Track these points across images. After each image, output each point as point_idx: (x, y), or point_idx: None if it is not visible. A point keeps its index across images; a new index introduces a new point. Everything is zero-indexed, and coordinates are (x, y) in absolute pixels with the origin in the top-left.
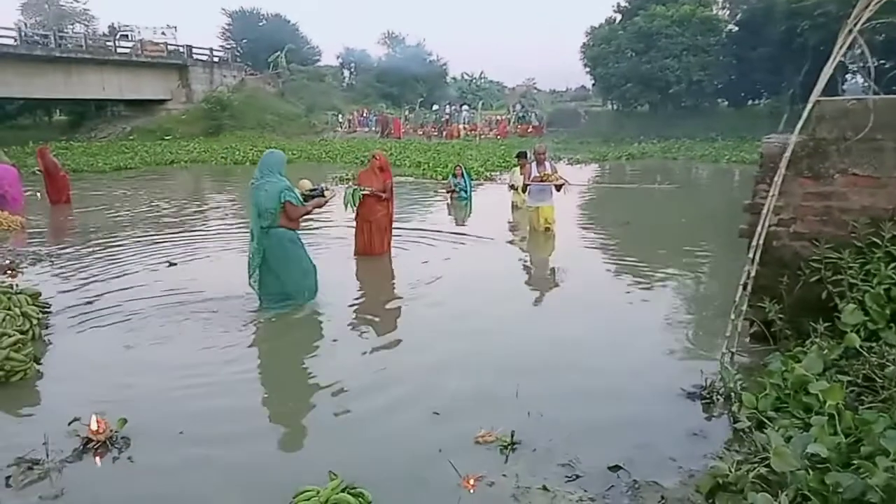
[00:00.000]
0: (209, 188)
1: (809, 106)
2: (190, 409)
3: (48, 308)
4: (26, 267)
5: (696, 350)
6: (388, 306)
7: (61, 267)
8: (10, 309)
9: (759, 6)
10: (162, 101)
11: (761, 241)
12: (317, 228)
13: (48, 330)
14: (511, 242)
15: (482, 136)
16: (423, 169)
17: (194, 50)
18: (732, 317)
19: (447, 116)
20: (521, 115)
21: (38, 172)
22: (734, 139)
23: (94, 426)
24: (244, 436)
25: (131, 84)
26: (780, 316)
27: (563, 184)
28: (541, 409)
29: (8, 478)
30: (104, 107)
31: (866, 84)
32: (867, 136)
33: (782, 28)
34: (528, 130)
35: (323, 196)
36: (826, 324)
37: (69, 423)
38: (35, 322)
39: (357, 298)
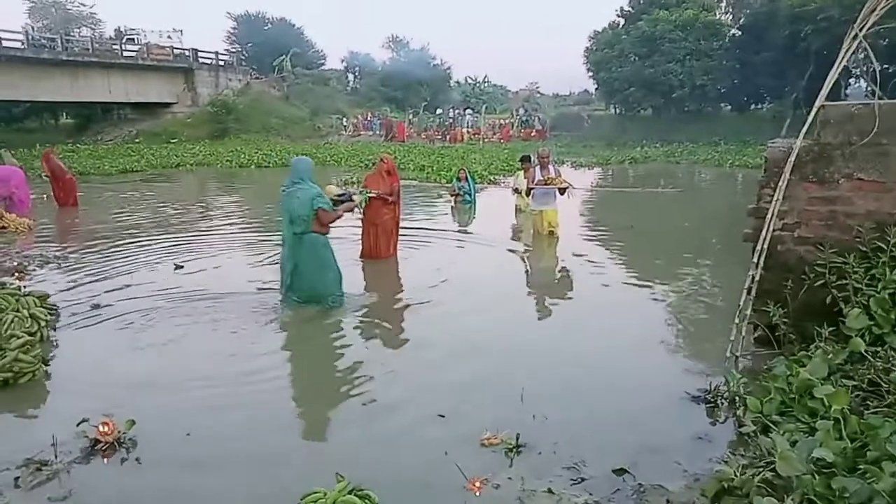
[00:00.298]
0: (215, 191)
1: (814, 110)
2: (197, 410)
3: (56, 310)
4: (34, 269)
5: (700, 354)
6: (393, 309)
7: (69, 269)
8: (18, 311)
9: (762, 11)
10: (167, 105)
11: (766, 246)
12: None
13: (56, 332)
14: (515, 246)
15: (486, 140)
16: (427, 173)
17: (200, 53)
18: (737, 321)
19: (451, 120)
20: (524, 118)
21: (45, 178)
22: (737, 143)
23: (102, 427)
24: (251, 437)
25: (137, 87)
26: (785, 320)
27: (567, 187)
28: (546, 412)
29: (17, 478)
30: (110, 110)
31: (870, 88)
32: (872, 140)
33: (785, 32)
34: (532, 134)
35: (352, 201)
36: (831, 328)
37: (77, 425)
38: (43, 324)
39: (363, 301)
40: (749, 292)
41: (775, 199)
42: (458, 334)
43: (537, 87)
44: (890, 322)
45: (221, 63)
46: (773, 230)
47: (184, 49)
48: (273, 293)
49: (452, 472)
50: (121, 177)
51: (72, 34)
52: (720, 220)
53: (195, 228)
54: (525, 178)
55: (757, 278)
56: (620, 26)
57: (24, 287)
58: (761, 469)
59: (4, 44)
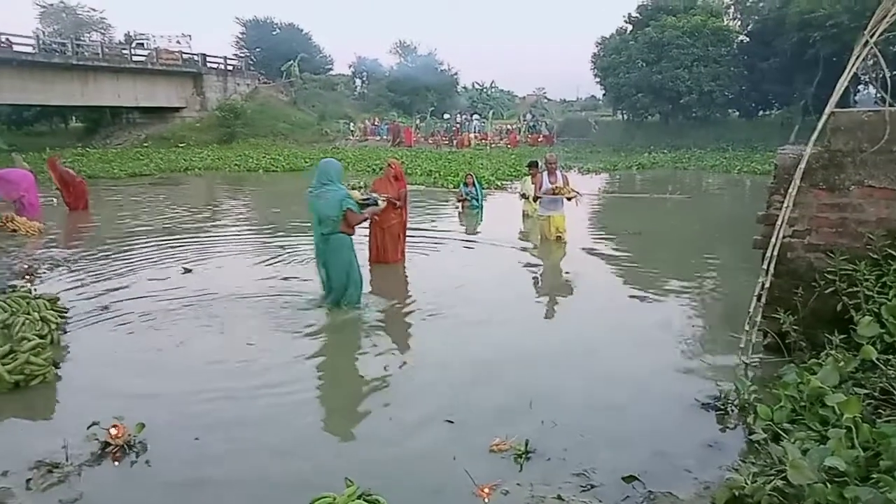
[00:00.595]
0: (223, 195)
1: (824, 117)
2: (206, 414)
3: (66, 313)
4: (44, 272)
5: (710, 361)
6: (401, 314)
7: (79, 272)
8: (29, 313)
9: (770, 17)
10: (176, 109)
11: (776, 253)
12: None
13: (66, 334)
14: (523, 251)
15: (493, 146)
16: (434, 178)
17: (208, 58)
18: (747, 328)
19: (458, 125)
20: (531, 124)
21: (55, 188)
22: (745, 150)
23: (112, 430)
24: (260, 442)
25: (146, 92)
26: (795, 327)
27: (575, 196)
28: (555, 418)
29: (28, 480)
30: (119, 114)
31: (879, 95)
32: (883, 147)
33: (794, 39)
34: (539, 140)
35: (377, 205)
36: (841, 336)
37: (88, 428)
38: (54, 326)
39: (371, 306)
40: (759, 299)
41: (785, 205)
42: (465, 339)
43: (544, 93)
44: None
45: (230, 68)
46: (784, 237)
47: (192, 54)
48: (282, 296)
49: (461, 478)
50: (130, 180)
51: (82, 39)
52: (728, 226)
53: (204, 232)
54: (533, 183)
55: (767, 285)
56: (628, 32)
57: (35, 290)
58: (772, 477)
59: (16, 48)
